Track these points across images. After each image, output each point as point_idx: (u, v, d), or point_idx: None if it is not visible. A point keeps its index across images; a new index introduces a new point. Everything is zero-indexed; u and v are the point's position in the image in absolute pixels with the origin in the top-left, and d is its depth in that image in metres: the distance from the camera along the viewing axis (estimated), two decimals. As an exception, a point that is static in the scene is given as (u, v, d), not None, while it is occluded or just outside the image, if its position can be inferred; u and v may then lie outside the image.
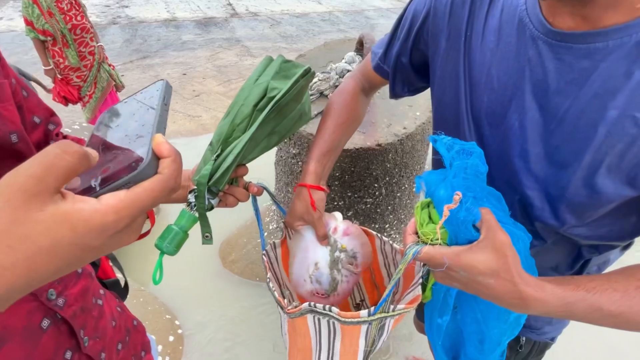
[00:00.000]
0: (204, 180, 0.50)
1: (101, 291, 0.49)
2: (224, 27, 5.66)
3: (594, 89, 0.34)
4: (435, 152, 0.41)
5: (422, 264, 0.45)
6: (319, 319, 0.46)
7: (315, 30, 5.66)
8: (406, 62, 0.58)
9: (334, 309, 0.42)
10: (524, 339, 0.56)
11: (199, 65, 4.33)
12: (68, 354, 0.40)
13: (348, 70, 0.84)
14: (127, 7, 6.26)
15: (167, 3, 6.62)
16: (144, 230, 0.51)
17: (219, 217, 2.24)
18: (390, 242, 0.57)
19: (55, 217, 0.19)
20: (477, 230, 0.34)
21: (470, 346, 0.48)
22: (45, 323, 0.38)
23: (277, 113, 0.51)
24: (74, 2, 2.20)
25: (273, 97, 0.51)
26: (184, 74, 4.11)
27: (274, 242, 0.60)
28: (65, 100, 2.41)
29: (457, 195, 0.33)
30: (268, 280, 0.52)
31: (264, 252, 0.56)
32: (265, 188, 0.58)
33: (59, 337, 0.39)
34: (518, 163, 0.40)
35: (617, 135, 0.34)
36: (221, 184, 0.51)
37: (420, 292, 0.43)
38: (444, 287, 0.42)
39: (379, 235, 0.59)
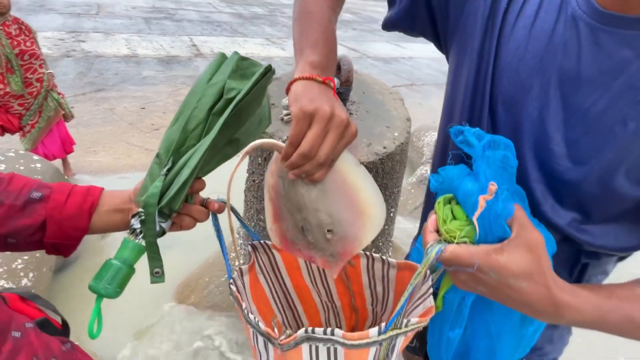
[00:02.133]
0: (154, 200, 0.41)
1: (28, 324, 0.37)
2: (188, 65, 5.68)
3: (630, 81, 0.32)
4: (453, 146, 0.38)
5: (429, 271, 0.41)
6: (317, 349, 0.38)
7: (279, 72, 5.89)
8: None
9: (338, 331, 0.35)
10: None
11: (159, 100, 4.22)
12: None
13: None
14: (83, 41, 6.09)
15: (129, 40, 6.56)
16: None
17: (175, 254, 2.03)
18: (383, 256, 0.50)
19: None
20: (509, 228, 0.31)
21: None
22: None
23: (237, 117, 0.44)
24: (23, 27, 2.08)
25: (231, 99, 0.44)
26: (143, 108, 3.96)
27: (240, 269, 0.50)
28: (2, 130, 2.16)
29: (493, 186, 0.30)
30: (245, 311, 0.43)
31: (232, 280, 0.47)
32: (228, 205, 0.49)
33: None
34: (528, 154, 0.38)
35: None
36: (177, 204, 0.43)
37: (433, 303, 0.38)
38: (458, 296, 0.38)
39: (366, 253, 0.52)
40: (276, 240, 0.50)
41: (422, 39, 0.58)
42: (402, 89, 5.71)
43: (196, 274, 1.62)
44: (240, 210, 1.58)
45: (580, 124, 0.35)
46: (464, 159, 0.38)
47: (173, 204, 0.43)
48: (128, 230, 0.43)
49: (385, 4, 0.56)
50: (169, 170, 0.43)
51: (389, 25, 0.56)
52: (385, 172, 0.82)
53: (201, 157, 0.43)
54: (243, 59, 0.47)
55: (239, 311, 0.45)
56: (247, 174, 1.23)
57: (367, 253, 0.52)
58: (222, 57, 0.48)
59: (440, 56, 0.55)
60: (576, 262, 0.42)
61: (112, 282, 0.39)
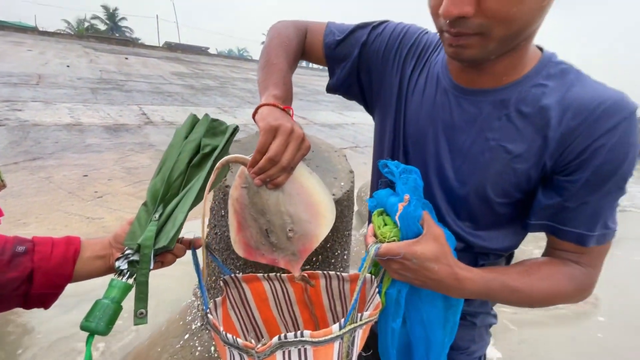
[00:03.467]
0: (150, 242, 0.47)
1: None
2: (137, 133, 5.63)
3: (480, 127, 0.49)
4: (382, 175, 0.54)
5: (374, 277, 0.52)
6: (289, 355, 0.45)
7: (237, 136, 6.10)
8: (354, 66, 0.64)
9: (306, 332, 0.43)
10: None
11: (104, 167, 4.07)
12: None
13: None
14: (20, 110, 5.80)
15: (72, 109, 6.39)
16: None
17: (122, 328, 1.84)
18: (337, 273, 0.58)
19: None
20: (421, 227, 0.45)
21: (418, 357, 0.53)
22: None
23: (211, 168, 0.52)
24: None
25: (207, 154, 0.53)
26: (85, 176, 3.77)
27: (214, 301, 0.54)
28: None
29: (407, 196, 0.45)
30: (224, 333, 0.48)
31: (208, 310, 0.51)
32: (207, 243, 0.55)
33: None
34: (433, 179, 0.54)
35: (495, 158, 0.49)
36: (173, 243, 0.49)
37: (379, 300, 0.48)
38: (395, 290, 0.49)
39: (324, 272, 0.59)
40: (240, 251, 0.56)
41: (361, 109, 0.77)
42: (348, 150, 6.23)
43: (146, 345, 1.49)
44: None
45: (459, 156, 0.52)
46: (389, 185, 0.53)
47: (170, 244, 0.48)
48: (116, 272, 0.47)
49: (324, 78, 0.74)
50: (160, 215, 0.50)
51: (331, 89, 0.72)
52: (336, 215, 0.95)
53: (192, 202, 0.51)
54: (214, 120, 0.58)
55: (216, 338, 0.50)
56: (207, 229, 1.28)
57: (325, 272, 0.60)
58: (194, 118, 0.58)
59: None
60: (475, 265, 0.55)
61: (102, 320, 0.43)
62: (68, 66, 10.97)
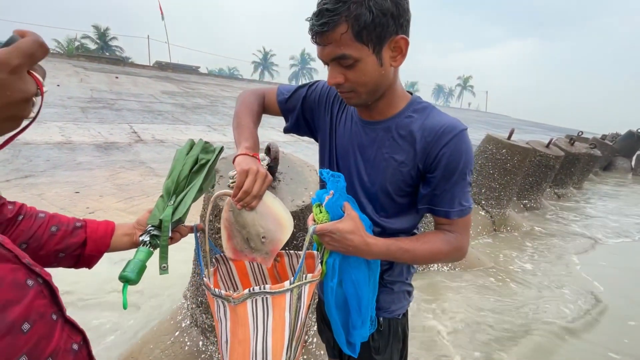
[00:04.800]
0: (169, 217, 0.69)
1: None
2: (127, 150, 5.77)
3: (378, 145, 0.74)
4: (320, 180, 0.76)
5: (319, 250, 0.73)
6: (255, 302, 0.65)
7: (225, 154, 6.29)
8: (300, 113, 0.91)
9: (267, 285, 0.64)
10: (381, 319, 0.83)
11: (95, 184, 4.19)
12: (54, 316, 0.44)
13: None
14: (10, 129, 5.87)
15: (63, 128, 6.51)
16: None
17: (113, 335, 1.97)
18: (296, 252, 0.80)
19: None
20: (343, 212, 0.66)
21: (354, 312, 0.73)
22: (30, 282, 0.42)
23: (206, 175, 0.77)
24: None
25: (203, 164, 0.78)
26: (77, 192, 3.89)
27: (208, 270, 0.75)
28: None
29: (331, 192, 0.66)
30: (212, 288, 0.68)
31: (204, 275, 0.74)
32: (204, 227, 0.78)
33: (43, 299, 0.43)
34: (355, 182, 0.79)
35: (389, 166, 0.72)
36: (184, 218, 0.72)
37: (321, 268, 0.70)
38: (331, 259, 0.68)
39: (287, 252, 0.81)
40: (229, 254, 0.78)
41: None
42: (334, 166, 6.47)
43: (139, 344, 1.63)
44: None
45: (368, 165, 0.76)
46: (324, 187, 0.75)
47: (182, 218, 0.71)
48: (140, 243, 0.67)
49: None
50: (174, 202, 0.72)
51: (287, 130, 1.02)
52: (305, 217, 1.16)
53: (196, 193, 0.74)
54: (206, 143, 0.83)
55: (208, 294, 0.70)
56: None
57: (287, 252, 0.81)
58: (192, 141, 0.83)
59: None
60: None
61: (134, 271, 0.62)
62: (58, 85, 11.09)
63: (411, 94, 0.77)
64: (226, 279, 0.84)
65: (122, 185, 4.25)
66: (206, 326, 1.49)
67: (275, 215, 0.76)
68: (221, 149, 0.83)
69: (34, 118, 0.43)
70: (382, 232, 0.77)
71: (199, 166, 0.78)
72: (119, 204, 3.69)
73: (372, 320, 0.77)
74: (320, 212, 0.67)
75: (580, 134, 7.38)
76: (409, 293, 0.88)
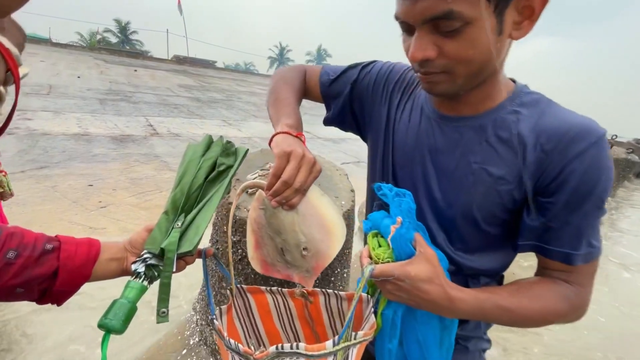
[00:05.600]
0: (174, 246, 0.51)
1: None
2: (142, 144, 5.72)
3: (463, 150, 0.53)
4: (376, 197, 0.56)
5: (370, 296, 0.54)
6: None
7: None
8: (347, 100, 0.71)
9: (301, 344, 0.45)
10: None
11: (109, 177, 4.12)
12: None
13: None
14: (29, 119, 5.93)
15: (80, 119, 6.52)
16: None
17: (117, 342, 1.84)
18: (335, 291, 0.60)
19: None
20: (414, 248, 0.47)
21: None
22: None
23: (228, 184, 0.59)
24: None
25: (222, 171, 0.60)
26: (90, 185, 3.82)
27: (220, 309, 0.57)
28: None
29: (399, 219, 0.47)
30: (227, 338, 0.50)
31: (214, 315, 0.56)
32: (215, 252, 0.59)
33: None
34: (423, 201, 0.57)
35: (479, 181, 0.51)
36: (195, 249, 0.53)
37: (375, 320, 0.50)
38: (391, 311, 0.50)
39: (322, 290, 0.62)
40: (257, 267, 0.59)
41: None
42: (350, 165, 6.27)
43: (144, 359, 1.48)
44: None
45: (445, 178, 0.55)
46: (383, 207, 0.55)
47: (193, 250, 0.52)
48: (133, 274, 0.50)
49: None
50: (182, 223, 0.54)
51: (327, 122, 0.81)
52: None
53: (213, 211, 0.56)
54: (227, 142, 0.64)
55: (220, 343, 0.52)
56: (209, 244, 1.29)
57: (323, 290, 0.62)
58: (210, 138, 0.65)
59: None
60: (465, 287, 0.56)
61: (119, 318, 0.45)
62: (79, 77, 11.25)
63: (514, 81, 0.55)
64: (243, 315, 0.65)
65: (136, 179, 4.17)
66: (216, 347, 1.32)
67: (323, 220, 0.57)
68: (246, 152, 0.64)
69: (7, 119, 0.23)
70: (457, 271, 0.57)
71: (217, 173, 0.60)
72: (131, 199, 3.60)
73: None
74: (380, 246, 0.48)
75: (614, 137, 6.92)
76: (484, 351, 0.67)
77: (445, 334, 0.52)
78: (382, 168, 0.65)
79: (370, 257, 0.48)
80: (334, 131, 0.78)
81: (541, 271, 0.55)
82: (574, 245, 0.49)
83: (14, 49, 0.23)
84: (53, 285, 0.47)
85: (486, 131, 0.52)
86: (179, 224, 0.55)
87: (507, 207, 0.52)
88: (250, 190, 0.58)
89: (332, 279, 1.10)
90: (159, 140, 6.05)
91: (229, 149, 0.63)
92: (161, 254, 0.52)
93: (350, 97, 0.72)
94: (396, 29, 0.51)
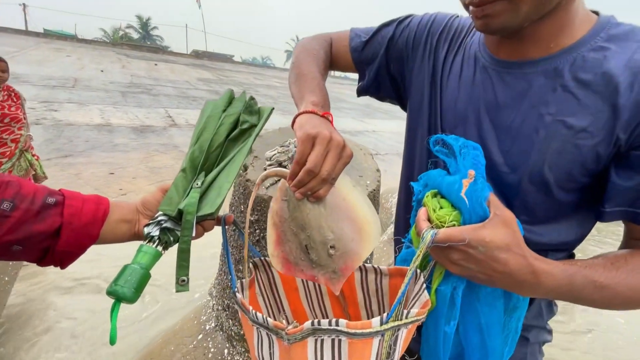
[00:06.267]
0: (193, 208, 0.45)
1: None
2: (162, 134, 5.80)
3: (531, 102, 0.44)
4: (431, 154, 0.48)
5: (420, 271, 0.46)
6: (321, 344, 0.39)
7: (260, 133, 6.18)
8: (383, 63, 0.62)
9: (342, 321, 0.37)
10: None
11: (129, 166, 4.18)
12: None
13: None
14: (55, 110, 6.12)
15: (103, 111, 6.68)
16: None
17: (136, 325, 1.83)
18: (375, 266, 0.53)
19: None
20: (487, 210, 0.38)
21: None
22: None
23: (250, 145, 0.53)
24: (13, 94, 2.21)
25: (245, 130, 0.54)
26: (112, 173, 3.89)
27: (241, 282, 0.51)
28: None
29: (472, 172, 0.38)
30: (253, 312, 0.42)
31: (236, 289, 0.49)
32: (235, 219, 0.53)
33: None
34: (487, 168, 0.46)
35: (553, 135, 0.42)
36: (218, 211, 0.47)
37: (428, 297, 0.41)
38: (449, 287, 0.42)
39: (359, 266, 0.54)
40: (278, 266, 0.52)
41: (381, 116, 0.72)
42: (368, 157, 6.15)
43: (159, 343, 1.46)
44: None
45: (507, 137, 0.46)
46: (439, 167, 0.47)
47: (215, 212, 0.46)
48: (145, 238, 0.44)
49: (345, 86, 0.70)
50: (202, 184, 0.48)
51: (362, 91, 0.71)
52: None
53: (237, 172, 0.50)
54: (251, 98, 0.58)
55: (244, 318, 0.45)
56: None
57: (360, 265, 0.54)
58: (232, 93, 0.58)
59: (400, 130, 0.69)
60: None
61: (130, 285, 0.39)
62: (102, 71, 11.56)
63: (597, 14, 0.45)
64: (267, 291, 0.58)
65: (155, 168, 4.22)
66: (233, 333, 1.28)
67: (354, 214, 0.49)
68: (271, 110, 0.57)
69: None
70: None
71: (239, 131, 0.53)
72: (150, 187, 3.64)
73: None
74: (441, 208, 0.39)
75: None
76: (543, 343, 0.57)
77: (512, 318, 0.43)
78: (427, 134, 0.56)
79: (430, 221, 0.40)
80: (351, 123, 0.68)
81: (632, 243, 0.45)
82: None
83: None
84: (55, 244, 0.41)
85: (562, 75, 0.43)
86: (199, 183, 0.49)
87: (588, 167, 0.42)
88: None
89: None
90: (178, 131, 6.12)
91: (252, 107, 0.57)
92: (178, 217, 0.46)
93: (387, 58, 0.63)
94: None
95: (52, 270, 2.11)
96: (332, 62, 0.69)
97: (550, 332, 0.57)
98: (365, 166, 1.12)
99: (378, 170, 1.11)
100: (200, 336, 1.40)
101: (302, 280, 0.58)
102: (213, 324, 1.49)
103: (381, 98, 0.70)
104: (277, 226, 0.52)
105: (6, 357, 1.44)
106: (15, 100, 2.19)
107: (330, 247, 0.48)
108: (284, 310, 0.58)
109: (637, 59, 0.39)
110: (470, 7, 0.43)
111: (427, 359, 0.46)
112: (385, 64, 0.64)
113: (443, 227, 0.38)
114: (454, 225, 0.38)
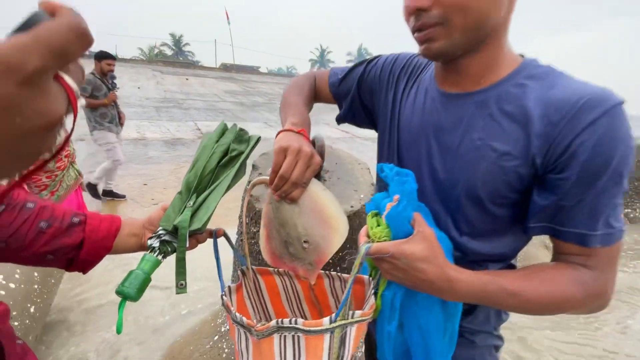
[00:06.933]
0: (186, 224, 0.55)
1: (19, 341, 0.46)
2: (191, 146, 6.15)
3: (466, 128, 0.51)
4: (380, 180, 0.56)
5: (371, 279, 0.54)
6: (284, 338, 0.48)
7: (268, 149, 6.38)
8: (356, 95, 0.73)
9: (300, 320, 0.45)
10: None
11: (161, 177, 4.49)
12: None
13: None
14: (97, 127, 6.66)
15: (139, 126, 7.19)
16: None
17: (159, 325, 1.98)
18: (339, 274, 0.61)
19: None
20: (411, 228, 0.46)
21: None
22: None
23: (239, 169, 0.63)
24: None
25: (234, 156, 0.63)
26: (145, 184, 4.20)
27: (229, 287, 0.60)
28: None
29: (396, 197, 0.46)
30: (233, 312, 0.51)
31: (223, 292, 0.59)
32: (225, 232, 0.63)
33: None
34: (427, 182, 0.55)
35: (482, 157, 0.49)
36: (204, 227, 0.57)
37: (374, 301, 0.49)
38: (391, 293, 0.49)
39: (327, 273, 0.63)
40: (268, 259, 0.62)
41: None
42: (389, 164, 6.13)
43: (180, 343, 1.60)
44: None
45: (449, 157, 0.53)
46: (386, 189, 0.53)
47: (202, 227, 0.56)
48: (148, 249, 0.55)
49: None
50: (194, 203, 0.58)
51: (340, 119, 0.82)
52: (354, 228, 0.96)
53: (223, 193, 0.60)
54: (241, 129, 0.68)
55: (228, 317, 0.55)
56: (236, 235, 1.36)
57: (327, 272, 0.62)
58: (225, 125, 0.69)
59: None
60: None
61: (133, 287, 0.49)
62: (139, 88, 12.41)
63: (522, 57, 0.52)
64: (253, 295, 0.68)
65: (184, 179, 4.50)
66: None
67: (323, 214, 0.57)
68: (258, 139, 0.67)
69: (61, 148, 0.26)
70: (463, 257, 0.54)
71: (229, 158, 0.63)
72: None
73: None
74: (378, 225, 0.47)
75: None
76: (497, 348, 0.62)
77: (449, 320, 0.50)
78: (387, 151, 0.65)
79: (368, 236, 0.48)
80: (371, 131, 0.79)
81: (557, 256, 0.50)
82: (590, 225, 0.45)
83: (75, 86, 0.27)
84: (78, 255, 0.53)
85: (489, 106, 0.50)
86: (191, 203, 0.59)
87: (514, 185, 0.48)
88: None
89: (344, 265, 1.10)
90: (206, 143, 6.46)
91: (241, 136, 0.67)
92: (174, 231, 0.56)
93: (359, 92, 0.74)
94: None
95: (95, 274, 2.34)
96: (316, 96, 0.80)
97: (499, 337, 0.62)
98: (361, 180, 1.19)
99: (372, 184, 1.18)
100: (216, 337, 1.53)
101: (283, 286, 0.67)
102: (227, 327, 1.61)
103: (357, 124, 0.79)
104: (266, 226, 0.62)
105: (53, 354, 1.63)
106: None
107: (304, 242, 0.57)
108: (268, 312, 0.68)
109: (549, 95, 0.46)
110: (416, 34, 0.50)
111: (379, 355, 0.54)
112: (357, 97, 0.74)
113: (375, 241, 0.46)
114: (385, 240, 0.46)
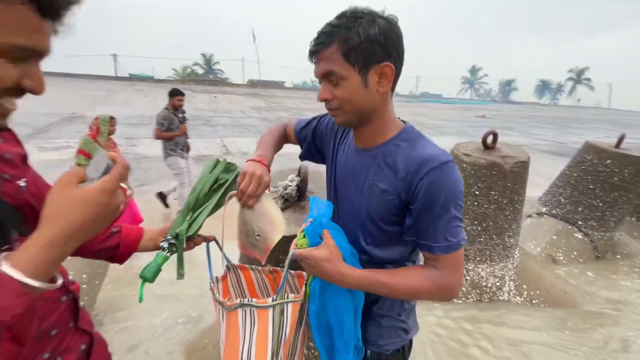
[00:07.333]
0: (184, 232, 0.83)
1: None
2: (217, 162, 6.62)
3: (365, 173, 0.75)
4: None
5: (306, 274, 0.79)
6: (245, 313, 0.74)
7: (290, 165, 6.71)
8: (311, 141, 0.98)
9: (254, 299, 0.71)
10: (369, 352, 0.83)
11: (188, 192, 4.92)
12: (72, 324, 0.61)
13: (289, 185, 1.32)
14: (135, 145, 7.34)
15: (171, 143, 7.81)
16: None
17: (183, 322, 2.28)
18: (290, 271, 0.85)
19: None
20: (322, 239, 0.70)
21: (337, 337, 0.75)
22: (64, 298, 0.59)
23: (223, 193, 0.88)
24: (111, 141, 2.98)
25: (222, 184, 0.90)
26: (175, 199, 4.64)
27: (216, 277, 0.87)
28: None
29: (310, 220, 0.71)
30: (214, 292, 0.78)
31: (211, 281, 0.86)
32: (215, 238, 0.90)
33: (68, 311, 0.60)
34: (347, 210, 0.80)
35: (373, 192, 0.73)
36: (195, 234, 0.85)
37: (304, 289, 0.74)
38: (314, 283, 0.73)
39: (282, 268, 0.86)
40: (240, 248, 0.89)
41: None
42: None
43: (198, 337, 1.89)
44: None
45: (358, 191, 0.77)
46: None
47: (194, 234, 0.82)
48: (160, 248, 0.81)
49: None
50: (190, 218, 0.85)
51: (301, 157, 1.06)
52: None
53: (210, 211, 0.87)
54: (229, 163, 0.93)
55: (213, 298, 0.83)
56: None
57: (289, 271, 0.85)
58: (217, 161, 0.95)
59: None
60: None
61: (150, 273, 0.77)
62: (172, 107, 13.34)
63: (405, 122, 0.77)
64: (236, 285, 0.95)
65: (209, 193, 4.90)
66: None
67: (269, 217, 0.84)
68: (238, 173, 0.92)
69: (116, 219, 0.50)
70: (369, 260, 0.78)
71: (217, 185, 0.89)
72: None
73: (359, 349, 0.78)
74: (303, 238, 0.73)
75: None
76: (405, 330, 0.84)
77: (357, 301, 0.74)
78: (329, 186, 0.91)
79: (296, 245, 0.73)
80: None
81: (425, 262, 0.73)
82: (434, 239, 0.68)
83: (126, 185, 0.52)
84: (116, 253, 0.82)
85: (377, 158, 0.74)
86: (189, 217, 0.87)
87: (393, 212, 0.72)
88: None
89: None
90: (230, 159, 6.86)
91: (229, 168, 0.93)
92: (177, 237, 0.85)
93: (313, 138, 0.99)
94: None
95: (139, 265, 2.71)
96: (287, 137, 1.07)
97: (405, 322, 0.84)
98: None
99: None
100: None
101: (255, 278, 0.94)
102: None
103: (314, 161, 1.06)
104: (239, 225, 0.90)
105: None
106: (113, 146, 2.96)
107: (257, 235, 0.85)
108: (246, 297, 0.95)
109: (410, 154, 0.70)
110: (328, 112, 0.76)
111: (313, 332, 0.79)
112: (312, 143, 1.00)
113: (298, 249, 0.72)
114: (304, 248, 0.71)
